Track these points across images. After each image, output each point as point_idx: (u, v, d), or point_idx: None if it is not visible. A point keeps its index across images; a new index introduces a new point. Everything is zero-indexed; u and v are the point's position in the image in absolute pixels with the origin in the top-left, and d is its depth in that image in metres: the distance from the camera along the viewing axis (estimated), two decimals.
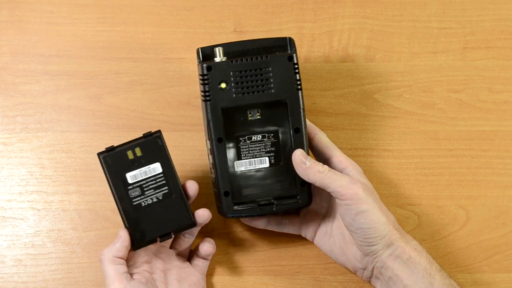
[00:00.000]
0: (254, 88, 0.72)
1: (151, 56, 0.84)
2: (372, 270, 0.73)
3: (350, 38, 0.85)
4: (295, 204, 0.74)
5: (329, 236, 0.77)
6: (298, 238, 0.80)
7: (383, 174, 0.82)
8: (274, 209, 0.74)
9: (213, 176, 0.74)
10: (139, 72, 0.84)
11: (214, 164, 0.73)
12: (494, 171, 0.82)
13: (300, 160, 0.72)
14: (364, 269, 0.74)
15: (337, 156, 0.75)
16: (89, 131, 0.82)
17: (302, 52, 0.84)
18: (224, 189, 0.73)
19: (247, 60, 0.72)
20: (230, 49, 0.74)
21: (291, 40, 0.75)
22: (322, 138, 0.76)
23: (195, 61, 0.83)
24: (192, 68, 0.83)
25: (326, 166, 0.72)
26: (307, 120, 0.76)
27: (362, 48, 0.84)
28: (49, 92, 0.83)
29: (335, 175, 0.71)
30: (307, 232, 0.79)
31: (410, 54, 0.84)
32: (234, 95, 0.72)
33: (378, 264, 0.72)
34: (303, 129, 0.73)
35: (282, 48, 0.74)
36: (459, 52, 0.85)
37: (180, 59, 0.84)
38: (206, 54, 0.74)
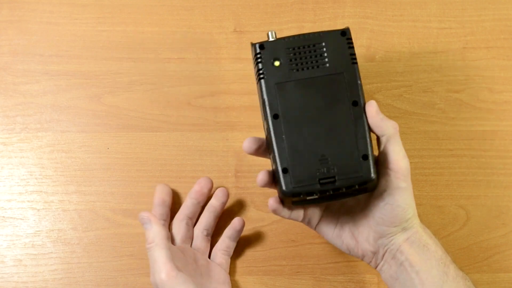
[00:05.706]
0: (309, 63, 0.71)
1: (151, 56, 0.84)
2: (384, 255, 0.71)
3: None
4: (358, 178, 0.68)
5: (336, 220, 0.74)
6: (298, 238, 0.80)
7: None
8: (336, 184, 0.69)
9: (271, 156, 0.71)
10: (139, 72, 0.84)
11: (271, 142, 0.70)
12: (494, 171, 0.82)
13: (376, 110, 0.69)
14: (375, 252, 0.72)
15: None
16: (89, 131, 0.82)
17: None
18: (283, 166, 0.70)
19: (299, 37, 0.71)
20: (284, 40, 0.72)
21: (348, 31, 0.72)
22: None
23: (195, 61, 0.84)
24: (192, 68, 0.83)
25: None
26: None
27: (362, 48, 0.84)
28: (49, 92, 0.83)
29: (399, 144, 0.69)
30: (311, 217, 0.74)
31: (410, 54, 0.84)
32: (288, 71, 0.71)
33: (393, 247, 0.70)
34: (361, 103, 0.71)
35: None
36: (459, 52, 0.85)
37: (180, 59, 0.84)
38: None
